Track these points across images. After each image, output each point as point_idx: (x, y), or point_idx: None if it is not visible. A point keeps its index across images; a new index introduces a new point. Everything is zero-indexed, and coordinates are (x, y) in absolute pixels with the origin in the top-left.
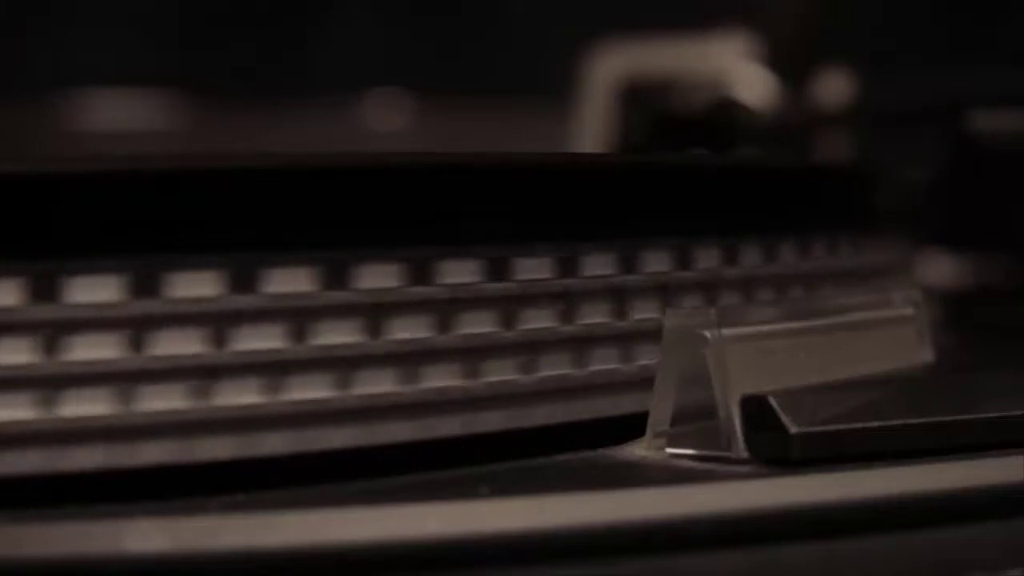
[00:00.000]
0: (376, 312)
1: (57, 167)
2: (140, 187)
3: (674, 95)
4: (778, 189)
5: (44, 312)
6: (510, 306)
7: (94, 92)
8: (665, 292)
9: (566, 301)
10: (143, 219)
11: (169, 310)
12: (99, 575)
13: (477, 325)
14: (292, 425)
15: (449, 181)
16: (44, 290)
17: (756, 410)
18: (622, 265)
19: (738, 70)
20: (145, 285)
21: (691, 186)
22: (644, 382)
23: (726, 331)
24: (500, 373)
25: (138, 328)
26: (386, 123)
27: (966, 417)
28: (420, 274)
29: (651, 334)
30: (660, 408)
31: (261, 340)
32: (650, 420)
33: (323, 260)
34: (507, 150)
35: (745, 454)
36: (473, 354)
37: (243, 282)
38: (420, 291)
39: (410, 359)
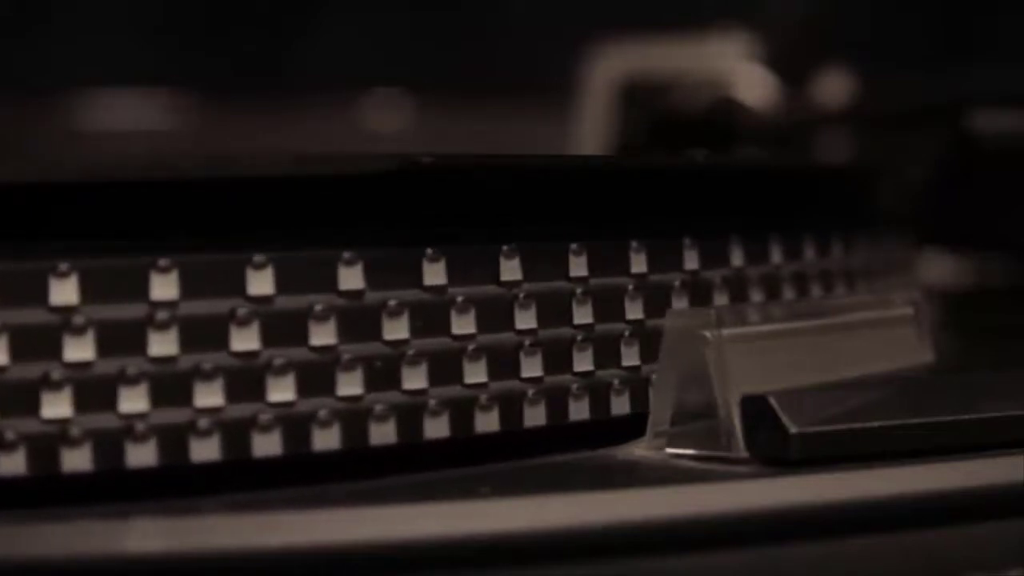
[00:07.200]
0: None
1: None
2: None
3: (674, 95)
4: (778, 189)
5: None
6: (508, 308)
7: (94, 92)
8: (664, 292)
9: (564, 302)
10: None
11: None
12: (99, 575)
13: (473, 328)
14: (291, 426)
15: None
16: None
17: (756, 410)
18: (621, 265)
19: (738, 70)
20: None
21: (689, 187)
22: (644, 382)
23: (726, 331)
24: (500, 375)
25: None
26: (386, 123)
27: (966, 417)
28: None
29: (651, 335)
30: (660, 408)
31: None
32: (650, 420)
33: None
34: (496, 153)
35: (745, 454)
36: (472, 356)
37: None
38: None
39: (405, 362)
